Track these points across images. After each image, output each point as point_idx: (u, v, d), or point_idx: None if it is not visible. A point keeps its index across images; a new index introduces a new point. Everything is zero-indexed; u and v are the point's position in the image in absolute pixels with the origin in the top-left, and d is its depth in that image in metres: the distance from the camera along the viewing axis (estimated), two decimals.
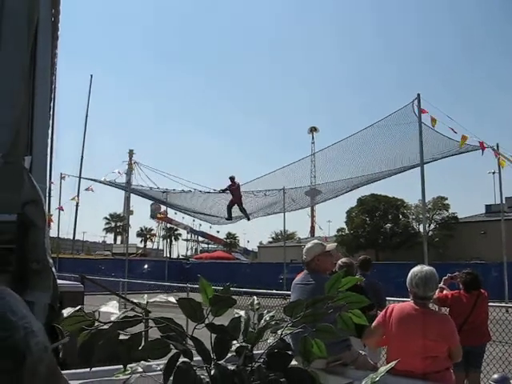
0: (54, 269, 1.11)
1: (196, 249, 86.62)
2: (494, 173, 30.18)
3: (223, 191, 25.43)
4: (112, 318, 1.26)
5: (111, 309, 1.32)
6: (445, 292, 7.20)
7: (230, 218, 25.79)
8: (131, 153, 43.00)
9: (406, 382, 3.67)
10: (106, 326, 1.28)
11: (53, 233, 29.86)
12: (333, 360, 4.16)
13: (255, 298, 1.66)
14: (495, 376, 2.29)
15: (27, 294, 1.13)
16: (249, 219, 26.16)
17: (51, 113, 1.31)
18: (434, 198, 51.31)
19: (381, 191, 54.14)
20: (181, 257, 74.40)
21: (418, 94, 13.17)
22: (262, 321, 1.47)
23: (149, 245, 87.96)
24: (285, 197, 23.85)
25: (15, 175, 1.15)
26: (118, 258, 41.35)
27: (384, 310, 4.29)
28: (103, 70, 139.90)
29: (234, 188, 24.74)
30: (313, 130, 71.94)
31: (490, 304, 7.48)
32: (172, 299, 1.45)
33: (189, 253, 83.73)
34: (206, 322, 1.33)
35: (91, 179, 26.71)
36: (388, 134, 16.97)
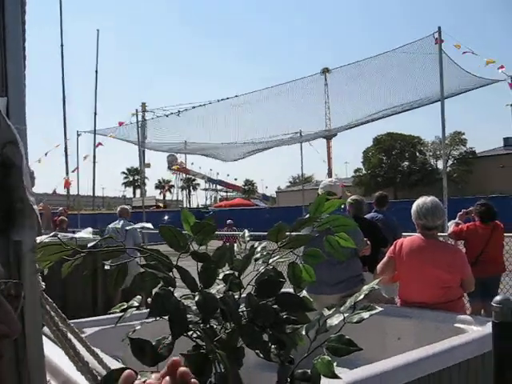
0: (35, 206, 1.12)
1: (215, 198, 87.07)
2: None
3: None
4: (89, 245, 1.25)
5: (86, 235, 1.32)
6: (460, 226, 7.20)
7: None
8: (144, 106, 42.61)
9: (418, 312, 3.74)
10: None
11: (73, 190, 30.13)
12: (347, 295, 4.22)
13: (246, 230, 1.66)
14: (497, 298, 2.29)
15: (15, 234, 1.13)
16: None
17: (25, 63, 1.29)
18: (451, 133, 50.59)
19: (396, 130, 53.61)
20: (200, 206, 74.79)
21: (439, 27, 12.61)
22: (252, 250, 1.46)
23: (168, 196, 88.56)
24: (302, 140, 23.40)
25: None
26: (138, 211, 41.68)
27: (393, 244, 4.22)
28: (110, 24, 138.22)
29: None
30: (325, 71, 70.58)
31: (506, 235, 7.45)
32: (149, 225, 1.46)
33: (208, 202, 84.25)
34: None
35: (105, 135, 26.29)
36: (406, 65, 16.32)
